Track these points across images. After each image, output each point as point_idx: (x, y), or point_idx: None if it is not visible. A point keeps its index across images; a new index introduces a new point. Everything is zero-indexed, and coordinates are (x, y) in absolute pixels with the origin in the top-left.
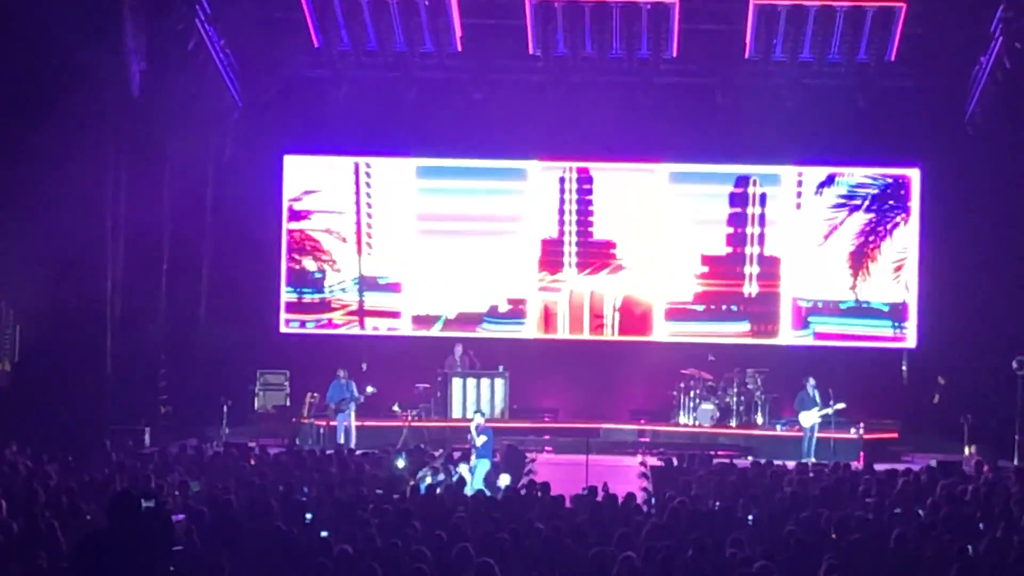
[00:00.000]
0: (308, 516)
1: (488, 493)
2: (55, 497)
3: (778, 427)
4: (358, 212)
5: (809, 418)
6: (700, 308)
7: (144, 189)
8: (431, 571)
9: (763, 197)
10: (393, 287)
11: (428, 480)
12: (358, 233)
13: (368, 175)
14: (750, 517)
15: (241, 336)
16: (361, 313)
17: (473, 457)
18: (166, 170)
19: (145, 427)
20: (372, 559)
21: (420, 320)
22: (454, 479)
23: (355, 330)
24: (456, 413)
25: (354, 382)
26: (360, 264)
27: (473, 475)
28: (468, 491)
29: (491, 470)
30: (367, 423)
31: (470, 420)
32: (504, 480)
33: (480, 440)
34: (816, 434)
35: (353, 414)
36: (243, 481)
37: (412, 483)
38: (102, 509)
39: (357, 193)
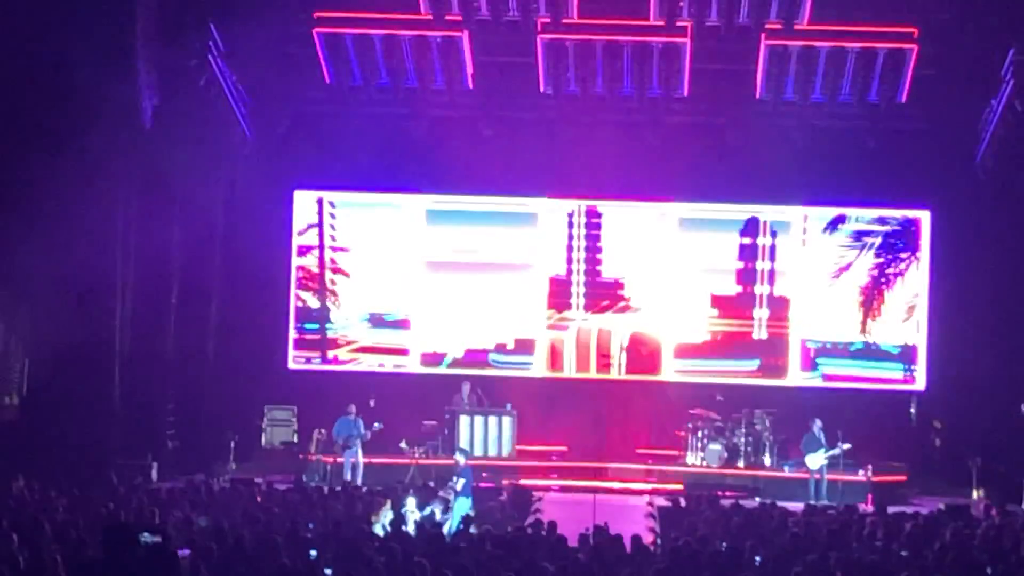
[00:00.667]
0: (313, 553)
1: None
2: (62, 530)
3: (786, 468)
4: (366, 248)
5: (816, 460)
6: (709, 348)
7: (154, 222)
8: None
9: (773, 236)
10: (402, 324)
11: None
12: (363, 270)
13: (376, 210)
14: (757, 558)
15: (249, 371)
16: (367, 350)
17: (452, 498)
18: (176, 204)
19: (152, 461)
20: None
21: (428, 357)
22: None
23: (361, 367)
24: None
25: (362, 419)
26: (366, 301)
27: (452, 516)
28: (447, 531)
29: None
30: (374, 460)
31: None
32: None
33: (460, 484)
34: (826, 476)
35: (360, 451)
36: (249, 517)
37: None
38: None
39: (363, 229)
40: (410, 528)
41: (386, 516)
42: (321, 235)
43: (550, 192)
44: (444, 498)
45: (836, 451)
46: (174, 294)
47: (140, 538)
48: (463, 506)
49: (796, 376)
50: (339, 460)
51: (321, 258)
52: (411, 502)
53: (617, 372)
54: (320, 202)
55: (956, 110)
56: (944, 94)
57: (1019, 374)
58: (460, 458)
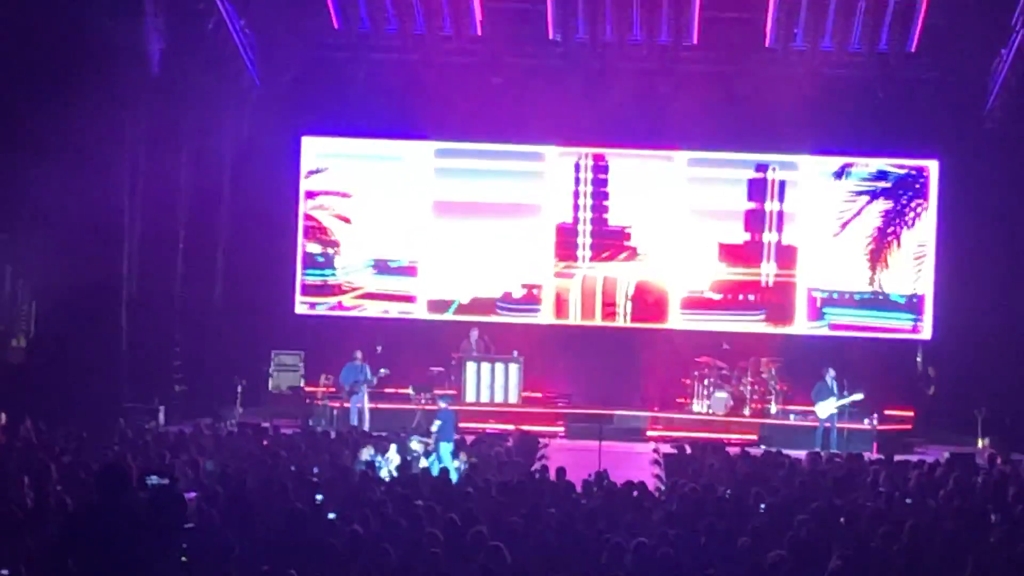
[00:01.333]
0: (319, 497)
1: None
2: (69, 473)
3: (791, 416)
4: (372, 195)
5: (826, 408)
6: (717, 297)
7: (162, 168)
8: (443, 554)
9: (782, 185)
10: (408, 271)
11: (365, 457)
12: (369, 216)
13: (384, 157)
14: (762, 506)
15: (256, 316)
16: (373, 296)
17: (432, 442)
18: (184, 149)
19: (159, 406)
20: (385, 541)
21: (434, 304)
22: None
23: (367, 313)
24: (470, 397)
25: (368, 365)
26: (372, 247)
27: (441, 460)
28: (454, 476)
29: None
30: (381, 406)
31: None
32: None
33: (435, 425)
34: (836, 425)
35: (366, 396)
36: (256, 461)
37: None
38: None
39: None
40: (387, 473)
41: (393, 461)
42: (327, 181)
43: (558, 140)
44: (424, 442)
45: (846, 400)
46: (181, 238)
47: (147, 480)
48: (445, 450)
49: (802, 325)
50: (346, 405)
51: (326, 204)
52: (392, 448)
53: (623, 320)
54: (327, 148)
55: (966, 60)
56: (954, 43)
57: None
58: (442, 403)
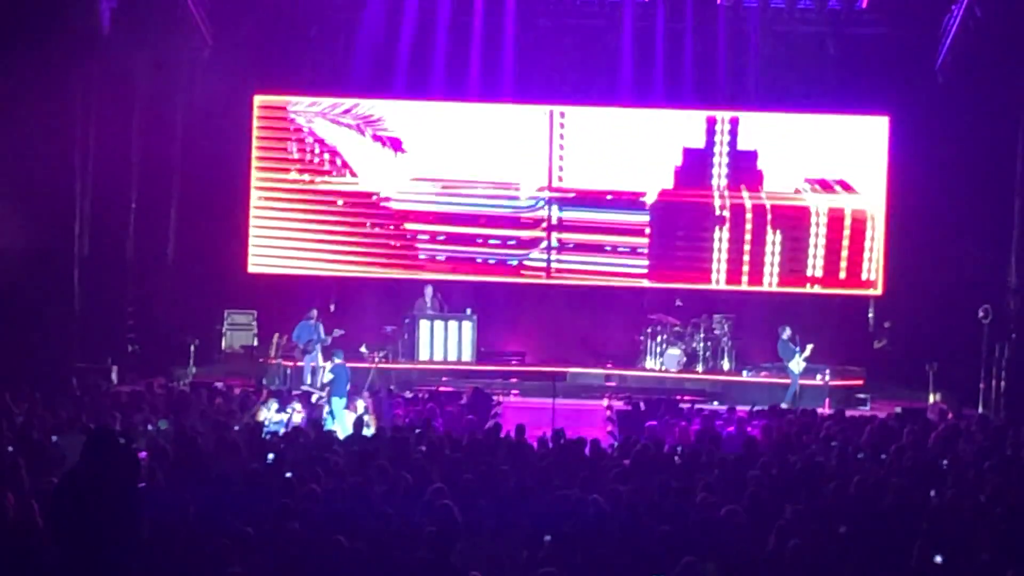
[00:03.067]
0: (271, 456)
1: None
2: (22, 433)
3: (745, 373)
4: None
5: (797, 365)
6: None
7: (113, 127)
8: (396, 513)
9: (733, 140)
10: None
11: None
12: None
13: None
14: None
15: (209, 275)
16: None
17: (325, 397)
18: (135, 108)
19: (112, 365)
20: (339, 498)
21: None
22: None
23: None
24: (424, 356)
25: (322, 323)
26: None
27: (334, 417)
28: (341, 434)
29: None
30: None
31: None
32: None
33: (328, 378)
34: (799, 382)
35: (320, 355)
36: (210, 420)
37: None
38: (70, 446)
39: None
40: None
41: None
42: (280, 140)
43: (513, 97)
44: (305, 395)
45: (806, 353)
46: (134, 198)
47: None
48: (338, 405)
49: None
50: (299, 364)
51: (281, 161)
52: (273, 405)
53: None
54: (280, 106)
55: (917, 15)
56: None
57: (976, 279)
58: (335, 359)
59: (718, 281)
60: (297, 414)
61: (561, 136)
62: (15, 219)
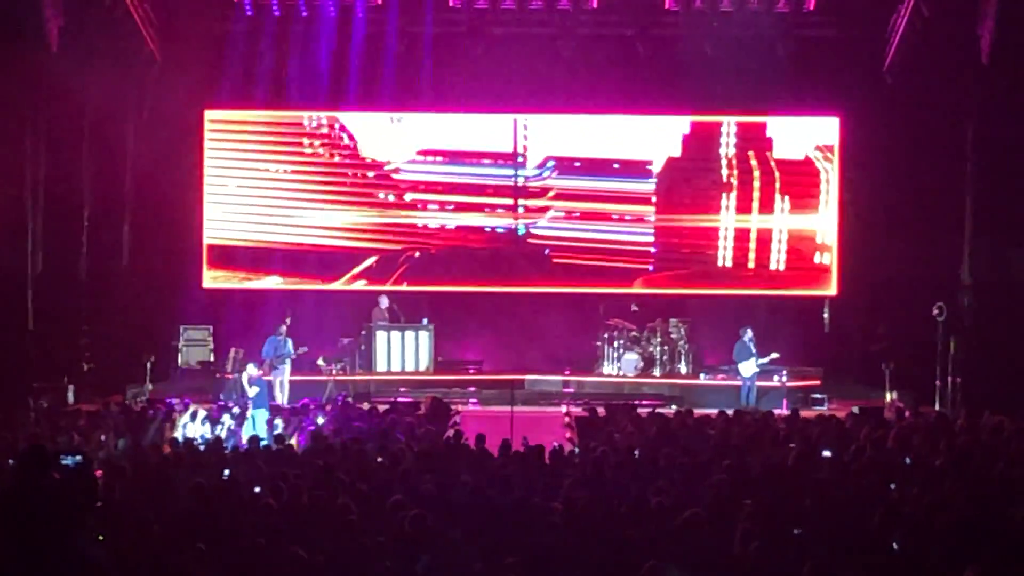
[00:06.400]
0: (226, 472)
1: (268, 441)
2: None
3: (702, 376)
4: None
5: (748, 368)
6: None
7: (63, 144)
8: (357, 523)
9: (685, 143)
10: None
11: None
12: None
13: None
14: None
15: (164, 291)
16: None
17: (250, 408)
18: (85, 125)
19: (68, 384)
20: (297, 512)
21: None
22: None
23: (280, 286)
24: (381, 367)
25: (291, 339)
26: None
27: (255, 425)
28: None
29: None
30: (292, 378)
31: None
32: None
33: (253, 391)
34: (756, 384)
35: (288, 370)
36: (168, 437)
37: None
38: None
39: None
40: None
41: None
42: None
43: (464, 106)
44: (225, 408)
45: (766, 359)
46: (86, 215)
47: (60, 460)
48: (261, 417)
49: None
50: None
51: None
52: (198, 414)
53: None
54: (230, 121)
55: (865, 16)
56: (852, 1)
57: (929, 277)
58: (251, 369)
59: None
60: (225, 427)
61: (525, 148)
62: None
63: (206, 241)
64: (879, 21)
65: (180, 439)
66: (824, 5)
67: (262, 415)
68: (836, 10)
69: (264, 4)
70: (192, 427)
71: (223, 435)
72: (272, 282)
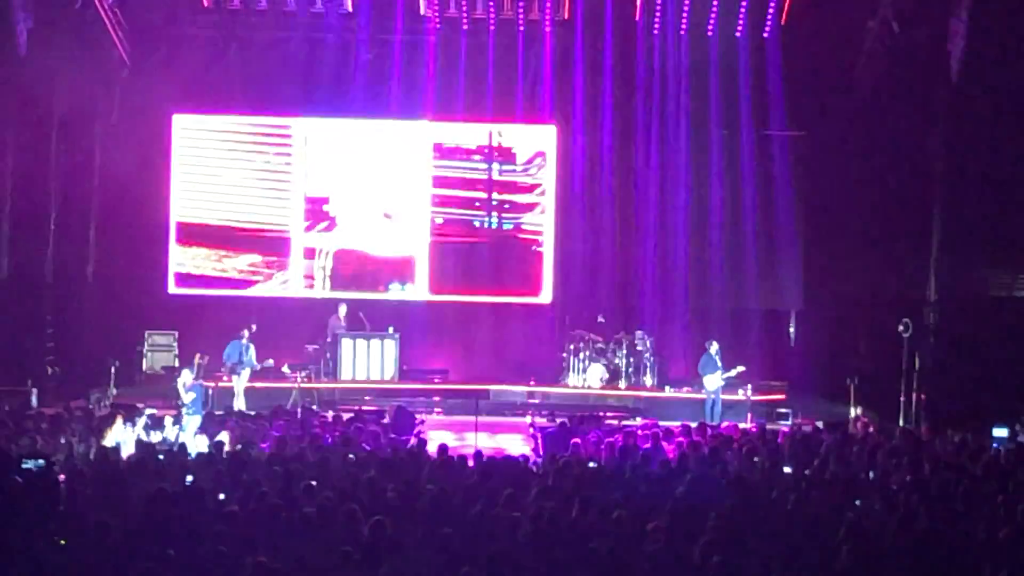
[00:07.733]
0: (189, 478)
1: (205, 450)
2: None
3: (667, 388)
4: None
5: (713, 381)
6: None
7: (32, 148)
8: (320, 532)
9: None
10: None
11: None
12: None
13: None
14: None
15: (129, 296)
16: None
17: (185, 414)
18: (53, 129)
19: (32, 387)
20: (260, 519)
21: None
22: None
23: (247, 293)
24: (346, 375)
25: (253, 345)
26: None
27: (184, 431)
28: (191, 449)
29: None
30: (256, 384)
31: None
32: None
33: (189, 397)
34: (720, 397)
35: (246, 377)
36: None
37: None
38: None
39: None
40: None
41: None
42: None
43: (433, 114)
44: (156, 416)
45: (732, 373)
46: (52, 218)
47: (23, 464)
48: (193, 423)
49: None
50: (221, 385)
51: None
52: (140, 421)
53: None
54: (196, 126)
55: (833, 33)
56: (822, 17)
57: (895, 293)
58: (187, 375)
59: None
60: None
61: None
62: None
63: (173, 247)
64: (847, 39)
65: (111, 444)
66: (793, 22)
67: (195, 421)
68: (805, 28)
69: (234, 11)
70: (125, 432)
71: (155, 440)
72: (243, 261)
